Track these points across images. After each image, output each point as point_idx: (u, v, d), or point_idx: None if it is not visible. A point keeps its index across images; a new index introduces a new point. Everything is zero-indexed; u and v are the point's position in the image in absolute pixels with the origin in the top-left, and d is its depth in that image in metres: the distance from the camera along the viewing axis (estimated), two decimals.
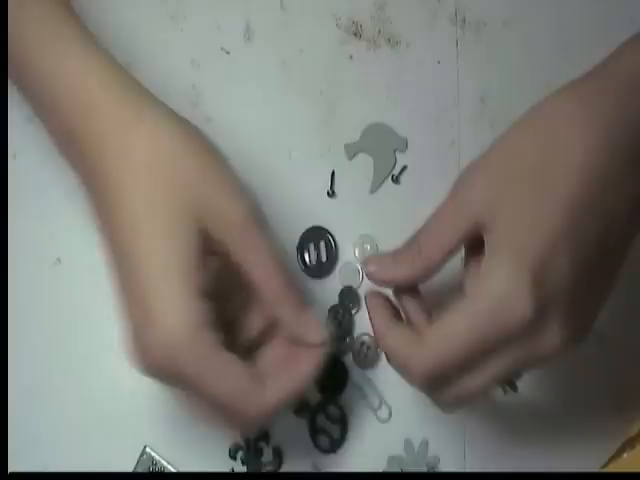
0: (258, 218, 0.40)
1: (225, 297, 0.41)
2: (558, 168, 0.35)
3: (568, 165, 0.35)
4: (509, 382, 0.41)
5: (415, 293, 0.41)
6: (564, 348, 0.36)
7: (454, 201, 0.38)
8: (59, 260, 0.52)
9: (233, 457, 0.50)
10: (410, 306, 0.41)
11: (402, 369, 0.39)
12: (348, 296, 0.52)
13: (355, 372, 0.51)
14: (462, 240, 0.38)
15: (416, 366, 0.38)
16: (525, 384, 0.51)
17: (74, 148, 0.40)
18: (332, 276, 0.52)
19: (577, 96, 0.37)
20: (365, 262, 0.41)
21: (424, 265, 0.38)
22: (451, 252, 0.38)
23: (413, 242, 0.39)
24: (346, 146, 0.53)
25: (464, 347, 0.36)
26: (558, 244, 0.35)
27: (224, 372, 0.37)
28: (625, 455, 0.50)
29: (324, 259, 0.52)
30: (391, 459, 0.51)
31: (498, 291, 0.35)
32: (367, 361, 0.51)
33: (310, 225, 0.52)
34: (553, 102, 0.37)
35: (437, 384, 0.38)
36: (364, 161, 0.53)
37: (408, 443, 0.51)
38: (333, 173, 0.53)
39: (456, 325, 0.36)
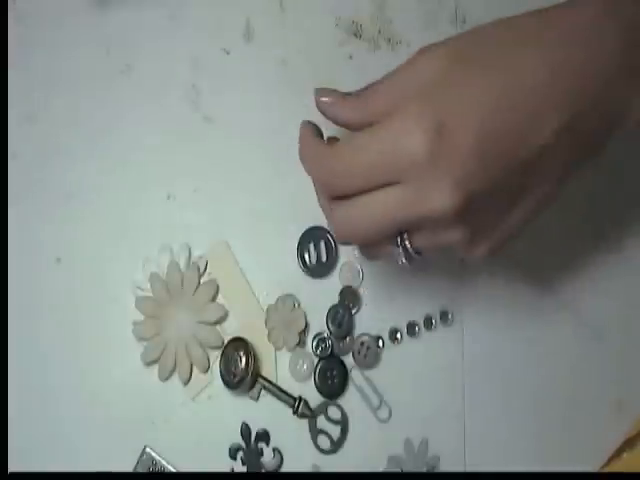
0: None
1: None
2: (512, 61, 0.38)
3: (516, 65, 0.37)
4: (402, 241, 0.40)
5: None
6: (451, 227, 0.37)
7: (408, 66, 0.39)
8: (59, 260, 0.52)
9: (233, 457, 0.50)
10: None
11: (313, 178, 0.41)
12: (348, 296, 0.52)
13: (355, 372, 0.51)
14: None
15: (323, 174, 0.40)
16: (525, 384, 0.51)
17: None
18: (332, 276, 0.52)
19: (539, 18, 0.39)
20: (320, 91, 0.42)
21: (364, 116, 0.40)
22: (393, 110, 0.39)
23: (364, 93, 0.41)
24: None
25: (363, 163, 0.38)
26: (470, 120, 0.37)
27: None
28: (625, 455, 0.50)
29: (324, 259, 0.52)
30: (391, 459, 0.51)
31: (400, 121, 0.37)
32: (367, 361, 0.51)
33: (310, 225, 0.52)
34: (523, 17, 0.39)
35: (338, 202, 0.39)
36: None
37: (408, 443, 0.51)
38: None
39: (359, 141, 0.38)
